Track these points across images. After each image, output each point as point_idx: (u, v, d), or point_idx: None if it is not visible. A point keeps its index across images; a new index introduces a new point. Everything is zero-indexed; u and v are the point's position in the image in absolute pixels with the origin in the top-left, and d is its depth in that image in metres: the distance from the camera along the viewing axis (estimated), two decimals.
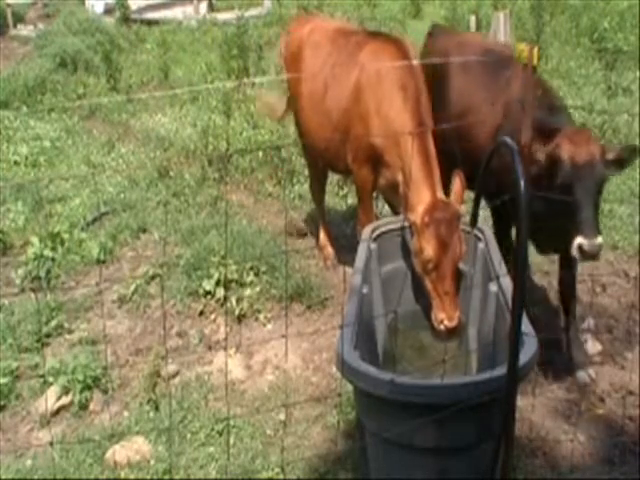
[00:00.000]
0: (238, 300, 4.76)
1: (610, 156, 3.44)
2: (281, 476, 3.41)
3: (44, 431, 3.93)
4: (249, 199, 6.66)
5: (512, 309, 2.35)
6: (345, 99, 4.42)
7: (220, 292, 4.79)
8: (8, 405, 4.13)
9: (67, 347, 4.57)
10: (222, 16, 13.84)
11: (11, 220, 6.20)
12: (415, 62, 4.22)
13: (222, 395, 4.01)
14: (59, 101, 9.97)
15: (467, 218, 3.56)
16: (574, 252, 3.35)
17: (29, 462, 3.70)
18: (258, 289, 4.85)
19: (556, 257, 4.17)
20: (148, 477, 3.49)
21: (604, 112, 7.27)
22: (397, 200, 4.41)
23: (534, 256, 4.38)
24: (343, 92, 4.43)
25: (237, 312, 4.72)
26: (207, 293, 4.83)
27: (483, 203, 4.64)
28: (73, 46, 11.75)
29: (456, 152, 4.43)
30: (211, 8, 16.06)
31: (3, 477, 3.54)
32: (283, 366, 4.27)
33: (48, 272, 5.28)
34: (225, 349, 4.38)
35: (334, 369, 3.82)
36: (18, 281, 5.27)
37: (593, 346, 4.24)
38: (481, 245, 3.79)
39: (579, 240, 3.32)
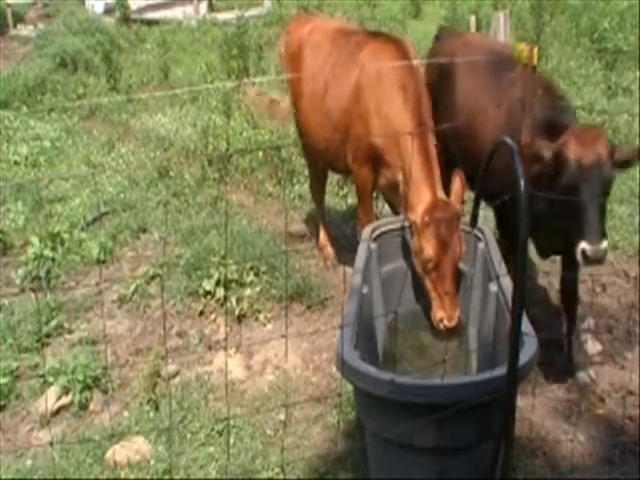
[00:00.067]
0: (238, 300, 4.76)
1: (619, 156, 3.34)
2: (281, 476, 3.41)
3: (44, 431, 3.93)
4: (249, 199, 6.66)
5: (512, 309, 2.35)
6: (345, 99, 4.42)
7: (220, 292, 4.79)
8: (8, 405, 4.13)
9: (67, 347, 4.57)
10: (222, 16, 13.83)
11: (11, 220, 6.20)
12: (415, 62, 4.23)
13: (222, 395, 4.01)
14: (59, 101, 9.97)
15: (467, 218, 3.57)
16: (577, 257, 3.30)
17: (29, 462, 3.70)
18: (258, 289, 4.85)
19: (557, 257, 4.17)
20: (148, 477, 3.49)
21: (604, 112, 7.27)
22: (397, 200, 4.41)
23: (535, 256, 4.38)
24: (343, 92, 4.43)
25: (237, 312, 4.72)
26: (207, 293, 4.84)
27: (483, 203, 4.66)
28: (73, 46, 11.74)
29: (457, 152, 4.44)
30: (211, 8, 16.05)
31: (3, 477, 3.54)
32: (283, 366, 4.27)
33: (48, 272, 5.28)
34: (225, 349, 4.38)
35: (334, 369, 3.82)
36: (18, 281, 5.27)
37: (593, 346, 4.24)
38: (481, 245, 3.79)
39: (582, 245, 3.25)
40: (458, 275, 3.70)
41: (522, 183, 2.21)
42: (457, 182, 3.79)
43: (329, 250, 5.39)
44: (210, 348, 4.51)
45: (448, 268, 3.62)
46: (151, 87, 10.70)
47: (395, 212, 4.68)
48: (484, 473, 2.64)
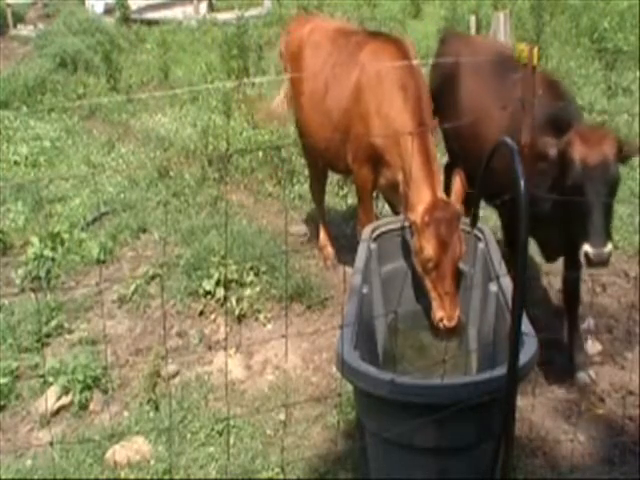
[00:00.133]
0: (238, 300, 4.76)
1: (627, 152, 3.30)
2: (281, 476, 3.41)
3: (44, 431, 3.93)
4: (249, 199, 6.66)
5: (512, 309, 2.35)
6: (345, 99, 4.42)
7: (220, 292, 4.79)
8: (8, 405, 4.13)
9: (67, 347, 4.57)
10: (222, 16, 13.84)
11: (11, 220, 6.20)
12: (415, 62, 4.23)
13: (222, 395, 4.01)
14: (59, 101, 9.97)
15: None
16: (581, 259, 3.27)
17: (29, 462, 3.69)
18: (258, 289, 4.85)
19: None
20: (148, 477, 3.49)
21: (604, 112, 7.27)
22: (397, 200, 4.41)
23: (536, 256, 4.38)
24: (343, 92, 4.43)
25: (237, 312, 4.72)
26: (207, 293, 4.83)
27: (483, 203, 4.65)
28: (73, 46, 11.75)
29: (458, 152, 4.44)
30: (211, 8, 16.06)
31: (3, 477, 3.54)
32: (283, 366, 4.27)
33: (48, 272, 5.28)
34: (225, 349, 4.38)
35: (334, 369, 3.82)
36: (18, 281, 5.27)
37: (593, 346, 4.24)
38: (481, 245, 3.79)
39: (586, 248, 3.22)
40: (458, 275, 3.70)
41: (522, 183, 2.21)
42: (457, 182, 3.79)
43: (329, 250, 5.39)
44: (210, 348, 4.51)
45: (448, 268, 3.62)
46: (151, 87, 10.71)
47: (395, 212, 4.68)
48: (484, 473, 2.64)
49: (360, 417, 3.04)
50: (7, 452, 3.74)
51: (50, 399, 4.02)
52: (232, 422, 3.79)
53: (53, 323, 4.73)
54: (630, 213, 5.59)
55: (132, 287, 5.04)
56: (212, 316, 4.78)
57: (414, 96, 4.10)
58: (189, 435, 3.76)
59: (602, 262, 3.24)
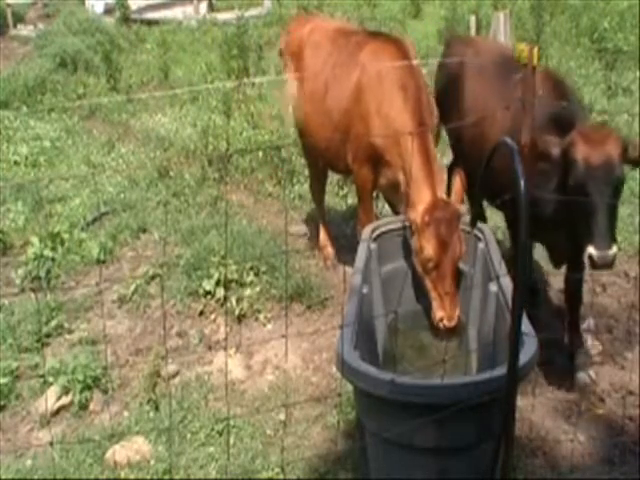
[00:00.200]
0: (238, 300, 4.76)
1: (633, 153, 3.23)
2: (281, 476, 3.40)
3: (44, 431, 3.93)
4: (249, 199, 6.66)
5: (512, 309, 2.35)
6: (345, 99, 4.42)
7: (220, 292, 4.79)
8: (8, 405, 4.13)
9: (67, 347, 4.57)
10: (222, 16, 13.84)
11: (11, 220, 6.20)
12: (415, 62, 4.23)
13: (222, 395, 4.01)
14: (59, 101, 9.98)
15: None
16: (585, 261, 3.22)
17: (29, 462, 3.69)
18: (258, 289, 4.85)
19: None
20: (148, 477, 3.49)
21: (604, 112, 7.27)
22: (397, 200, 4.41)
23: (537, 256, 4.38)
24: (343, 92, 4.43)
25: (237, 312, 4.71)
26: (207, 293, 4.83)
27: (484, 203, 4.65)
28: (73, 46, 11.76)
29: (462, 153, 4.43)
30: (211, 8, 16.06)
31: (3, 477, 3.54)
32: (283, 366, 4.27)
33: (48, 272, 5.28)
34: (225, 349, 4.38)
35: (334, 369, 3.82)
36: (18, 281, 5.27)
37: (593, 346, 4.24)
38: (481, 245, 3.79)
39: (590, 250, 3.16)
40: (458, 275, 3.70)
41: (522, 183, 2.21)
42: (457, 182, 3.79)
43: (329, 250, 5.39)
44: (210, 348, 4.50)
45: (448, 268, 3.62)
46: (151, 87, 10.71)
47: (395, 212, 4.68)
48: (484, 473, 2.64)
49: (360, 417, 3.04)
50: (7, 452, 3.74)
51: (50, 399, 4.02)
52: (232, 422, 3.79)
53: (53, 323, 4.73)
54: (630, 213, 5.59)
55: (132, 287, 5.04)
56: (212, 316, 4.78)
57: (414, 96, 4.10)
58: (189, 435, 3.76)
59: (607, 265, 3.19)
